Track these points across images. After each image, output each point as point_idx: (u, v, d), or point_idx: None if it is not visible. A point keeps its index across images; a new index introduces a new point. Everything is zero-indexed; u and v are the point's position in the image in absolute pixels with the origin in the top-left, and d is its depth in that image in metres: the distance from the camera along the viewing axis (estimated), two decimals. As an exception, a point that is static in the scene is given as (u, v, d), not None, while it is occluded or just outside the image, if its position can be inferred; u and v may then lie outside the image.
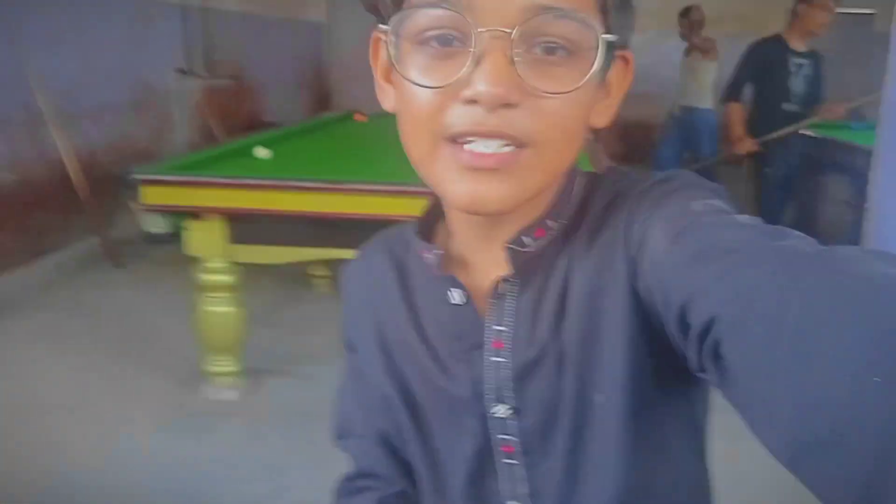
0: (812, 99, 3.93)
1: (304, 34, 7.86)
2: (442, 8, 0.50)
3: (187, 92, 5.54)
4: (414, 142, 0.55)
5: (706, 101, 5.04)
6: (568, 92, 0.50)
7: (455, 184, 0.53)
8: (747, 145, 4.01)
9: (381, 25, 0.54)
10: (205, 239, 2.48)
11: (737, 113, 4.07)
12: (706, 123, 5.02)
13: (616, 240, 0.56)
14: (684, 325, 0.44)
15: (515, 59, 0.49)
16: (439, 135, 0.52)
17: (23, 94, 3.91)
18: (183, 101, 5.52)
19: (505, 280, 0.60)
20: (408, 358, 0.67)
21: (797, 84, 3.90)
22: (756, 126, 4.01)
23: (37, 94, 3.94)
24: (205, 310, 2.60)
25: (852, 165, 3.52)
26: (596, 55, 0.50)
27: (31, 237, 4.06)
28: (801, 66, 3.88)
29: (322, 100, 8.03)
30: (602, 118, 0.59)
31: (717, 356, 0.40)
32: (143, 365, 2.98)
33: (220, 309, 2.59)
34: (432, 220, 0.67)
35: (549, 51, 0.50)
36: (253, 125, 6.09)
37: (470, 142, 0.51)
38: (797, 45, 3.86)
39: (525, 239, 0.59)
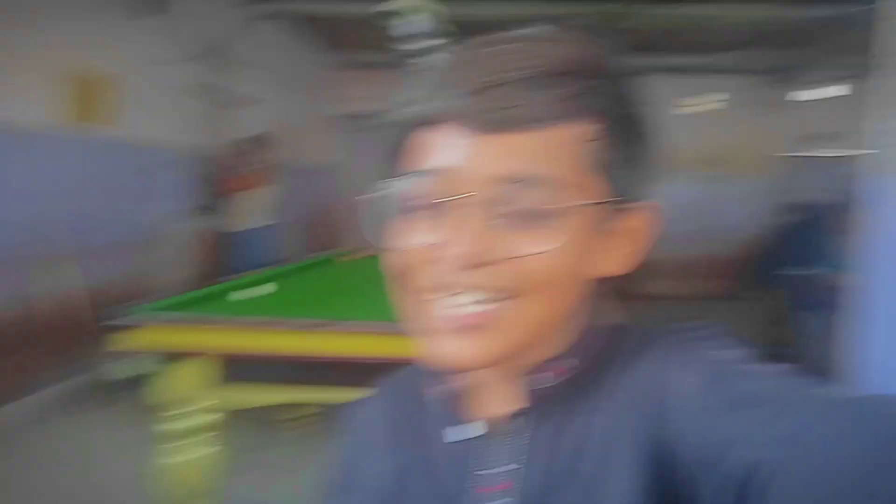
0: None
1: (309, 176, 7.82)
2: (421, 177, 0.53)
3: (181, 233, 5.57)
4: (400, 300, 0.56)
5: None
6: (537, 254, 0.50)
7: (434, 340, 0.54)
8: None
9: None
10: (185, 382, 2.43)
11: None
12: None
13: (642, 386, 0.55)
14: (720, 471, 0.44)
15: (487, 222, 0.50)
16: (419, 293, 0.54)
17: (9, 237, 3.92)
18: (177, 243, 5.51)
19: (519, 415, 0.58)
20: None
21: None
22: None
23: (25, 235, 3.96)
24: (179, 457, 2.49)
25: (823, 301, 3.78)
26: (569, 220, 0.51)
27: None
28: None
29: (330, 239, 7.38)
30: (617, 265, 0.57)
31: (758, 501, 0.40)
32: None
33: (195, 454, 2.50)
34: None
35: (530, 214, 0.51)
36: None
37: (449, 297, 0.52)
38: None
39: (544, 374, 0.58)
